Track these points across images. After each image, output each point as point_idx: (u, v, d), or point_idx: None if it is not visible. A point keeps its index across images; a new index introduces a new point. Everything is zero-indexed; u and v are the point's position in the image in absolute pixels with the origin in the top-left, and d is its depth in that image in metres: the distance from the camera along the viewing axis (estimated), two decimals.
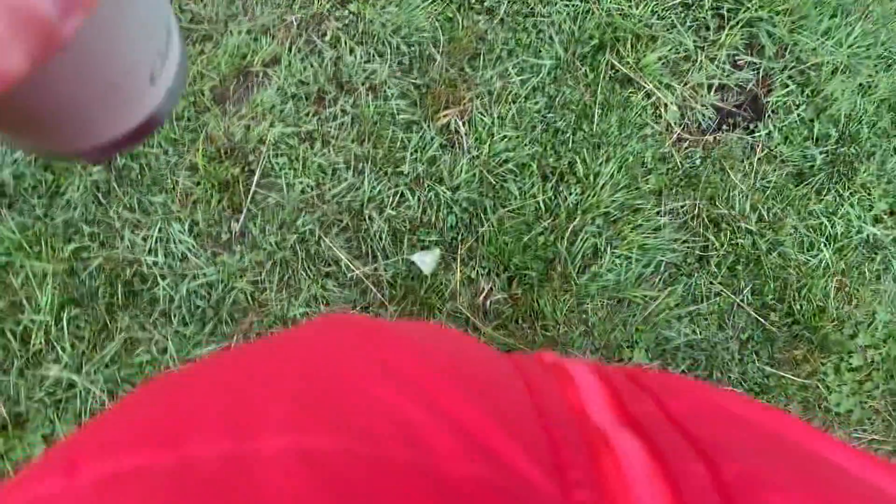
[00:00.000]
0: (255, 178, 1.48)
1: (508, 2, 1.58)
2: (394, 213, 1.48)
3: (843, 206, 1.52)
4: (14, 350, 1.40)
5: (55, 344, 1.41)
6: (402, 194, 1.48)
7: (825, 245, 1.50)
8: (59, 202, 1.46)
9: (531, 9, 1.59)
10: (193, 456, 0.20)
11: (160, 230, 1.45)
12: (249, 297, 1.45)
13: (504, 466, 0.21)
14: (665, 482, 0.21)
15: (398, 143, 1.49)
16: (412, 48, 1.54)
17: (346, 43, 1.53)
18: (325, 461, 0.20)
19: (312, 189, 1.47)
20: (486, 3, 1.58)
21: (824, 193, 1.53)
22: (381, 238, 1.48)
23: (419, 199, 1.49)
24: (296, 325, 0.36)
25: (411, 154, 1.48)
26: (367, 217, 1.48)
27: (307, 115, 1.50)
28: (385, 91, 1.51)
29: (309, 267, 1.47)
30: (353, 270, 1.47)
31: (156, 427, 0.22)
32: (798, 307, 1.49)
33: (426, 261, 1.47)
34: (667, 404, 0.26)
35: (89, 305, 1.43)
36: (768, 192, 1.51)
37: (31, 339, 1.41)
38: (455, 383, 0.25)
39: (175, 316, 1.44)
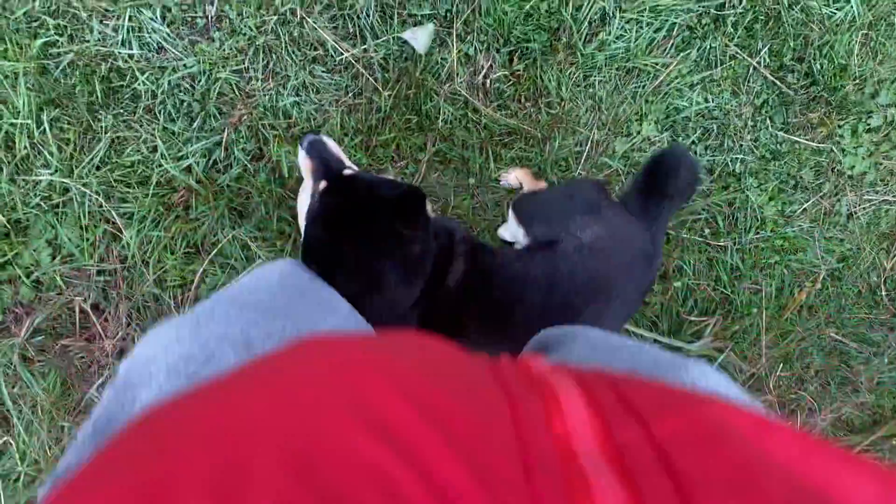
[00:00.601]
0: None
1: None
2: None
3: None
4: (0, 156, 1.35)
5: (41, 148, 1.36)
6: None
7: None
8: None
9: None
10: None
11: (130, 18, 1.34)
12: (235, 88, 1.37)
13: None
14: None
15: None
16: None
17: None
18: None
19: None
20: None
21: None
22: (368, 15, 1.36)
23: None
24: (276, 355, 0.36)
25: None
26: None
27: None
28: None
29: (294, 52, 1.37)
30: (342, 53, 1.37)
31: (135, 487, 0.22)
32: (818, 66, 1.39)
33: (419, 38, 1.37)
34: (654, 428, 0.26)
35: (69, 105, 1.36)
36: None
37: (16, 145, 1.36)
38: (437, 426, 0.25)
39: (160, 112, 1.37)
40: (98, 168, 1.36)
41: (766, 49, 1.39)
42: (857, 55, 1.39)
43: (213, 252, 1.38)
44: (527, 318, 0.98)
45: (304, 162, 1.03)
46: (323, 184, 0.96)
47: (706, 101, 1.40)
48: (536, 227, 1.12)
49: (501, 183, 1.40)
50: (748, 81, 1.40)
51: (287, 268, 0.86)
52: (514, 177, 1.39)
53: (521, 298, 1.00)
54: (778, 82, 1.40)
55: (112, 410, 0.54)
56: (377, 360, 0.31)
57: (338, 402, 0.26)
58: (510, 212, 1.22)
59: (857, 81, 1.40)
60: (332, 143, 1.05)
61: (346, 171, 0.98)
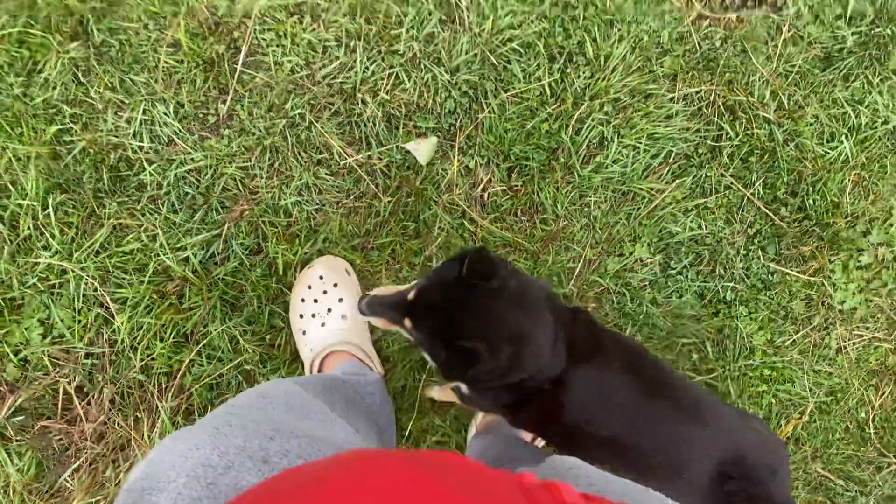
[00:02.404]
0: (242, 55, 1.38)
1: None
2: (388, 96, 1.40)
3: (871, 93, 1.41)
4: (3, 235, 1.38)
5: (44, 230, 1.38)
6: (398, 76, 1.38)
7: (847, 136, 1.41)
8: (38, 80, 1.39)
9: None
10: None
11: (144, 112, 1.38)
12: (240, 184, 1.40)
13: None
14: None
15: (393, 18, 1.37)
16: None
17: None
18: None
19: (302, 69, 1.38)
20: None
21: (852, 79, 1.42)
22: (374, 124, 1.40)
23: (415, 82, 1.39)
24: (326, 469, 0.39)
25: (407, 31, 1.38)
26: (359, 100, 1.40)
27: None
28: None
29: (300, 153, 1.40)
30: (346, 158, 1.40)
31: None
32: (811, 202, 1.42)
33: (422, 149, 1.41)
34: None
35: (76, 191, 1.39)
36: (791, 77, 1.40)
37: (20, 225, 1.38)
38: None
39: (164, 202, 1.40)
40: (97, 253, 1.38)
41: (760, 181, 1.42)
42: (849, 193, 1.42)
43: (202, 343, 1.38)
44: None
45: (376, 321, 1.03)
46: (408, 321, 0.96)
47: (700, 227, 1.42)
48: None
49: None
50: (742, 211, 1.43)
51: (290, 388, 0.89)
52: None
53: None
54: (771, 214, 1.42)
55: None
56: (422, 482, 0.32)
57: None
58: None
59: (849, 219, 1.43)
60: (382, 288, 1.04)
61: (410, 296, 0.97)
